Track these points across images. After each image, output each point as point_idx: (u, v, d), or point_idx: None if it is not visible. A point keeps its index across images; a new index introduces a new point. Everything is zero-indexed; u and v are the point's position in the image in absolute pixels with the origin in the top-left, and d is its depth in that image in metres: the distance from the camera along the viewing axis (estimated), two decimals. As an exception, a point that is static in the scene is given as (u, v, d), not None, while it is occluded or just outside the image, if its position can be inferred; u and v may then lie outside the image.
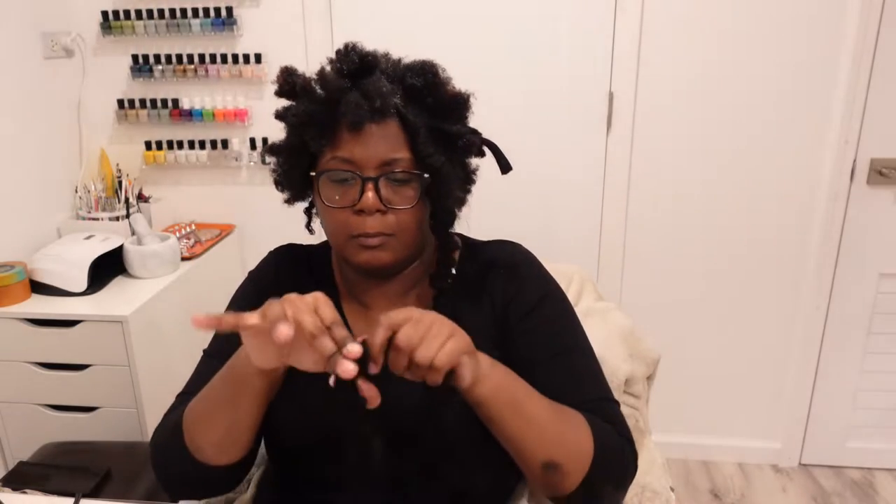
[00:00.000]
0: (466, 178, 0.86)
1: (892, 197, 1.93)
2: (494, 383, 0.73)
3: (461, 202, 0.87)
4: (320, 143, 0.81)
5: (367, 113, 0.77)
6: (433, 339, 0.66)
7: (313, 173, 0.83)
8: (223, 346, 0.87)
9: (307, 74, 0.83)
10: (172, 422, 0.82)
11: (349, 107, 0.77)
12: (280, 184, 0.88)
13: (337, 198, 0.81)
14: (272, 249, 0.99)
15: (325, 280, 0.93)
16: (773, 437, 2.20)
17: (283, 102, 0.85)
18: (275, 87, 0.84)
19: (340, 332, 0.65)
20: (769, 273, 2.03)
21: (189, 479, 0.83)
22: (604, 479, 0.78)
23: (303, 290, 0.87)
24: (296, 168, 0.85)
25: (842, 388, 2.12)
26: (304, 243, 0.99)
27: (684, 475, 2.17)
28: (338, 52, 0.83)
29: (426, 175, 0.80)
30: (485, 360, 0.73)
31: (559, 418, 0.77)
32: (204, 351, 0.92)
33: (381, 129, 0.78)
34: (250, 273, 0.97)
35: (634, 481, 0.86)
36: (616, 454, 0.79)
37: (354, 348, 0.63)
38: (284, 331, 0.62)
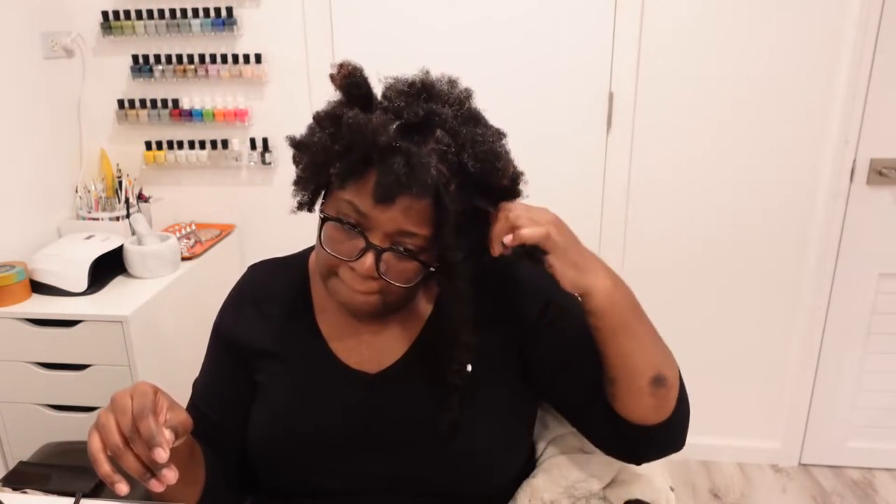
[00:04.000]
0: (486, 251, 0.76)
1: (892, 197, 1.93)
2: (621, 294, 0.74)
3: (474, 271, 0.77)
4: (342, 181, 0.73)
5: (399, 188, 0.68)
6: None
7: (321, 214, 0.77)
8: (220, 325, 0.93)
9: (373, 90, 0.75)
10: None
11: (386, 175, 0.68)
12: (298, 183, 0.80)
13: (336, 244, 0.76)
14: (243, 273, 0.96)
15: (299, 295, 0.90)
16: (773, 437, 2.20)
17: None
18: (335, 75, 0.74)
19: (146, 429, 0.65)
20: (769, 273, 2.03)
21: None
22: (686, 401, 0.83)
23: (276, 310, 0.89)
24: (313, 180, 0.78)
25: (842, 388, 2.12)
26: (282, 255, 0.96)
27: (684, 475, 2.17)
28: (410, 86, 0.74)
29: (432, 269, 0.75)
30: (611, 272, 0.74)
31: (658, 335, 0.79)
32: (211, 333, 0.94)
33: (409, 201, 0.70)
34: (215, 322, 0.94)
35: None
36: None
37: (160, 455, 0.64)
38: (121, 489, 0.63)
